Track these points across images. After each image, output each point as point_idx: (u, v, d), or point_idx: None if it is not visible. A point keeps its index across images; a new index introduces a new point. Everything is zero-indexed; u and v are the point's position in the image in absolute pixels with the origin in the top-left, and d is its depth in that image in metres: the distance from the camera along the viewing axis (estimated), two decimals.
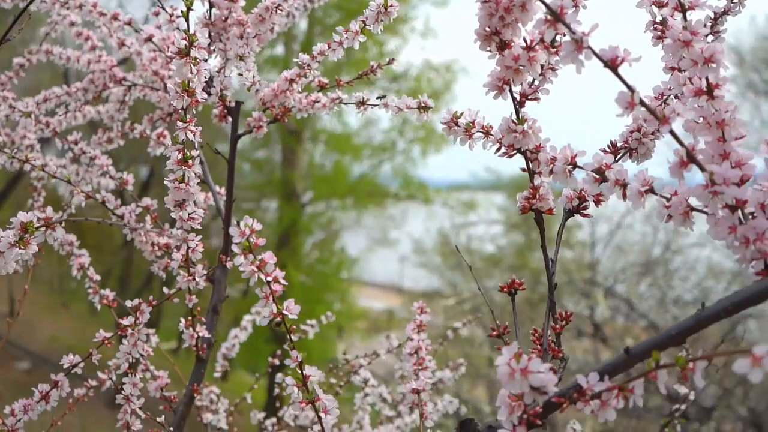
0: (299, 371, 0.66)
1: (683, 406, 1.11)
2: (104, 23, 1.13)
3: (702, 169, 0.52)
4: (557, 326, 0.64)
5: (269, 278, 0.63)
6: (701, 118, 0.55)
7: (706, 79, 0.54)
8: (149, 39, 1.08)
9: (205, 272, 0.92)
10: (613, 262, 6.99)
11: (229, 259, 0.96)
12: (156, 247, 1.04)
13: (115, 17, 1.11)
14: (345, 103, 0.99)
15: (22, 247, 0.68)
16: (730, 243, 0.52)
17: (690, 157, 0.52)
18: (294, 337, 0.65)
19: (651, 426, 6.12)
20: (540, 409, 0.54)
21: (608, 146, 0.70)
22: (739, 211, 0.53)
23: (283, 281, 0.64)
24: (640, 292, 6.00)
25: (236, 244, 0.62)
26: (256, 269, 0.63)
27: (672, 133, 0.51)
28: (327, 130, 12.32)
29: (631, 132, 0.68)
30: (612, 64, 0.51)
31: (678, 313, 6.22)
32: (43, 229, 0.66)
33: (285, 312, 0.64)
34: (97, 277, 1.11)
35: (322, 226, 12.11)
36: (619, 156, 0.69)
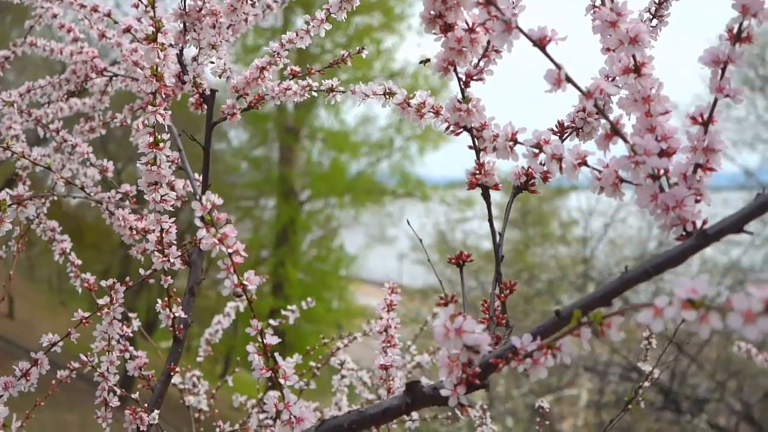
0: (261, 340, 0.69)
1: (646, 383, 1.14)
2: (84, 15, 1.17)
3: (625, 141, 0.55)
4: (502, 295, 0.67)
5: (230, 250, 0.66)
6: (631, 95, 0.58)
7: (633, 57, 0.57)
8: (128, 30, 1.11)
9: (179, 253, 0.95)
10: (607, 257, 7.03)
11: None
12: (134, 231, 1.07)
13: (94, 9, 1.14)
14: (315, 91, 1.02)
15: None
16: (652, 210, 0.55)
17: (614, 130, 0.55)
18: (247, 306, 0.68)
19: (644, 419, 6.17)
20: (479, 370, 0.58)
21: (555, 125, 0.73)
22: (663, 181, 0.56)
23: (243, 254, 0.67)
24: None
25: (198, 218, 0.65)
26: (217, 242, 0.66)
27: (597, 107, 0.55)
28: (324, 128, 12.35)
29: (577, 112, 0.72)
30: (540, 43, 0.55)
31: None
32: (14, 206, 0.69)
33: (245, 283, 0.67)
34: (79, 262, 1.14)
35: (320, 223, 12.15)
36: (566, 135, 0.73)
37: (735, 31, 0.55)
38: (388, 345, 0.97)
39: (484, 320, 0.69)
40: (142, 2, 0.80)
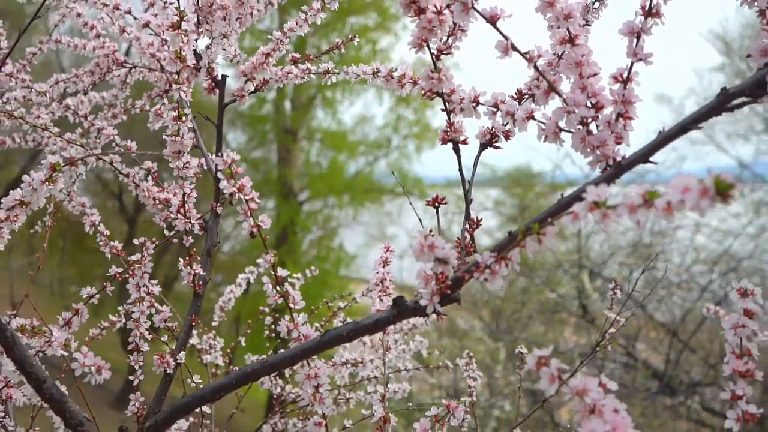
0: (273, 272, 0.84)
1: (611, 331, 1.28)
2: (107, 13, 1.31)
3: (560, 95, 0.70)
4: (470, 229, 0.82)
5: (247, 197, 0.81)
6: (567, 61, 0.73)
7: (568, 30, 0.72)
8: (146, 25, 1.26)
9: (198, 216, 1.10)
10: (602, 246, 7.18)
11: (219, 205, 1.14)
12: (157, 201, 1.21)
13: (116, 7, 1.29)
14: (313, 74, 1.16)
15: (50, 183, 0.86)
16: (582, 150, 0.70)
17: (551, 87, 0.70)
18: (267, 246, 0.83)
19: (640, 405, 6.31)
20: (450, 283, 0.72)
21: (515, 92, 0.87)
22: (593, 127, 0.71)
23: (258, 201, 0.82)
24: (625, 274, 6.18)
25: (220, 170, 0.80)
26: (237, 190, 0.81)
27: (536, 68, 0.69)
28: (322, 129, 12.49)
29: (532, 81, 0.86)
30: (492, 20, 0.69)
31: (664, 294, 6.41)
32: (68, 166, 0.83)
33: (260, 223, 0.82)
34: (107, 232, 1.28)
35: (320, 223, 12.28)
36: (524, 100, 0.87)
37: (647, 7, 0.70)
38: (384, 294, 1.12)
39: (458, 253, 0.84)
40: (165, 1, 0.94)
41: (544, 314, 6.91)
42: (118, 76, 1.41)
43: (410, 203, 1.13)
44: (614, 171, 0.67)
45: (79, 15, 1.40)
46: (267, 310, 1.60)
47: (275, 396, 1.60)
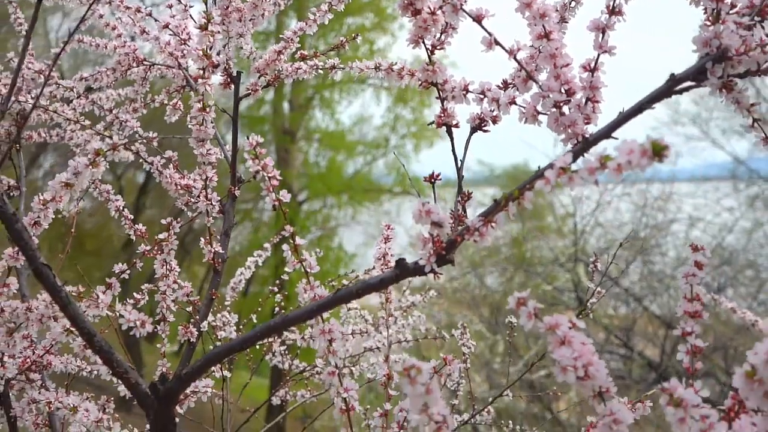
0: (292, 241, 0.95)
1: (593, 300, 1.40)
2: (129, 15, 1.43)
3: (536, 82, 0.82)
4: (462, 200, 0.94)
5: (270, 175, 0.93)
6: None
7: (543, 27, 0.84)
8: (166, 26, 1.38)
9: (219, 198, 1.22)
10: (598, 240, 7.32)
11: (237, 189, 1.26)
12: (178, 187, 1.33)
13: (138, 10, 1.41)
14: (320, 69, 1.29)
15: (94, 167, 0.98)
16: (556, 129, 0.82)
17: (529, 76, 0.82)
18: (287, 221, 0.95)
19: (636, 395, 6.43)
20: (445, 245, 0.84)
21: (501, 82, 0.99)
22: (566, 110, 0.83)
23: (278, 177, 0.94)
24: (621, 267, 6.32)
25: (246, 151, 0.92)
26: (260, 168, 0.93)
27: (516, 60, 0.82)
28: (320, 129, 12.61)
29: (515, 71, 0.98)
30: (478, 19, 0.81)
31: (657, 286, 6.54)
32: (111, 151, 0.95)
33: (281, 197, 0.94)
34: (131, 216, 1.40)
35: (319, 223, 12.39)
36: (508, 88, 0.99)
37: (611, 7, 0.82)
38: (385, 267, 1.24)
39: (453, 222, 0.96)
40: (186, 5, 1.06)
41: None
42: (138, 73, 1.52)
43: (418, 195, 1.25)
44: (582, 146, 0.79)
45: (101, 16, 1.52)
46: (275, 289, 1.73)
47: (284, 372, 1.72)
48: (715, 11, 0.74)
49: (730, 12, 0.77)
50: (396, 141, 12.63)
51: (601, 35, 0.82)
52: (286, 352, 1.70)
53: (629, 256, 6.52)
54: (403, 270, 0.88)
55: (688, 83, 0.75)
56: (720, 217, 8.41)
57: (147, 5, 1.44)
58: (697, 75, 0.74)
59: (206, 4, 1.04)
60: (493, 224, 0.80)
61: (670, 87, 0.75)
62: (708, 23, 0.75)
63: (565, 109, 0.83)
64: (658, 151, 0.58)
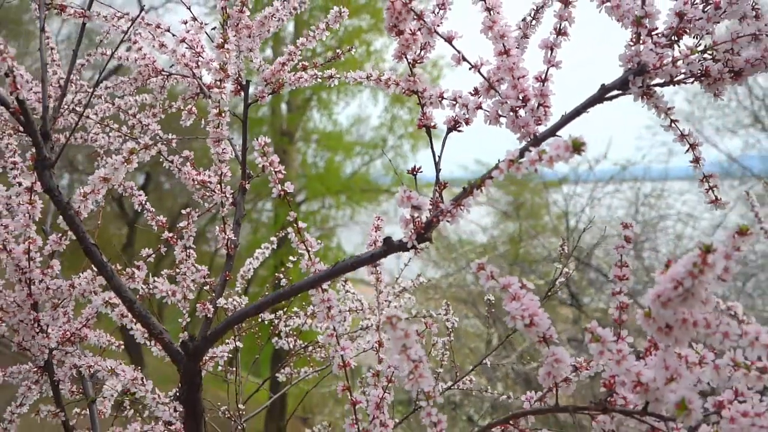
0: (296, 225, 1.14)
1: (561, 279, 1.58)
2: (149, 31, 1.61)
3: (496, 91, 1.00)
4: (439, 188, 1.12)
5: (276, 169, 1.11)
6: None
7: (503, 45, 1.02)
8: (182, 40, 1.56)
9: (232, 191, 1.40)
10: (592, 237, 7.51)
11: (247, 183, 1.44)
12: (194, 182, 1.51)
13: (158, 26, 1.59)
14: (320, 78, 1.47)
15: (128, 163, 1.16)
16: (513, 129, 1.00)
17: (490, 86, 1.00)
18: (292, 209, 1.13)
19: None
20: (424, 225, 1.02)
21: (472, 89, 1.18)
22: (522, 113, 1.01)
23: (283, 171, 1.12)
24: (611, 262, 6.50)
25: (256, 150, 1.10)
26: (268, 164, 1.11)
27: (480, 73, 1.00)
28: (318, 130, 12.78)
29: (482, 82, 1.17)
30: (449, 39, 1.00)
31: (648, 281, 6.72)
32: (143, 150, 1.13)
33: (286, 188, 1.12)
34: (152, 209, 1.58)
35: (317, 224, 12.56)
36: (477, 95, 1.17)
37: (558, 29, 1.00)
38: None
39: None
40: (202, 23, 1.24)
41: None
42: (156, 82, 1.70)
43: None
44: (532, 142, 0.97)
45: (124, 33, 1.70)
46: (281, 276, 1.91)
47: (288, 351, 1.90)
48: (636, 33, 0.93)
49: (653, 32, 0.95)
50: (394, 141, 12.79)
51: (549, 52, 1.01)
52: (290, 336, 1.89)
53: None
54: (389, 246, 1.06)
55: (616, 92, 0.93)
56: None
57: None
58: (622, 85, 0.92)
59: (223, 26, 1.22)
60: (461, 207, 0.98)
61: (602, 95, 0.93)
62: (631, 43, 0.94)
63: (521, 112, 1.01)
64: (577, 146, 0.76)
